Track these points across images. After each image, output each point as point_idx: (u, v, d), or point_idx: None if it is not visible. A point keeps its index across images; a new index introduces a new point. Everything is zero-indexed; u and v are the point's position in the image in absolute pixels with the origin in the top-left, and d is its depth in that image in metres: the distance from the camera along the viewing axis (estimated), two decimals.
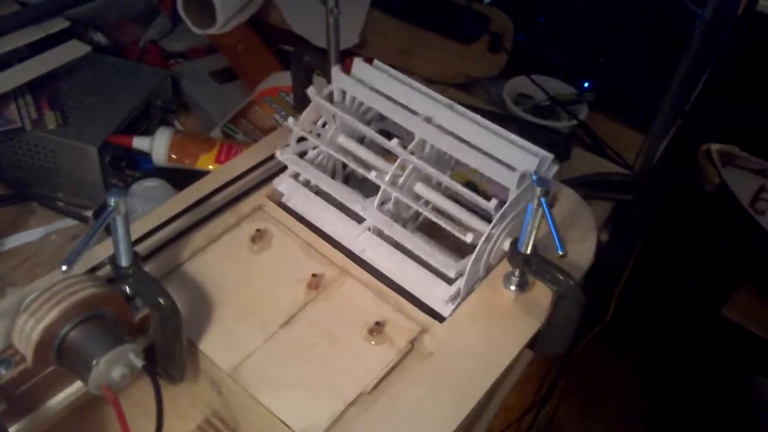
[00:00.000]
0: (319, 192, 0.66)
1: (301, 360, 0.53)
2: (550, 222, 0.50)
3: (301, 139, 0.66)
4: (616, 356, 1.55)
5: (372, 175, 0.60)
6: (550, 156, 0.56)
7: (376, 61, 0.64)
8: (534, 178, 0.50)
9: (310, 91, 0.63)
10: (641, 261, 1.08)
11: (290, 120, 0.64)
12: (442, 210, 0.60)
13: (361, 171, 0.61)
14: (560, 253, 0.49)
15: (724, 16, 0.77)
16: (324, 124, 0.65)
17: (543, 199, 0.49)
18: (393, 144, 0.59)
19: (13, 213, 0.82)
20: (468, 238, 0.55)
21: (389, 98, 0.62)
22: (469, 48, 1.09)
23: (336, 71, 0.63)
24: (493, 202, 0.55)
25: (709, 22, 0.73)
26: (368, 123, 0.66)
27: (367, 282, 0.59)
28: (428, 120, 0.60)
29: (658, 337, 1.59)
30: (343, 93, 0.64)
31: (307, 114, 0.65)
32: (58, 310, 0.46)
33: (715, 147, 1.25)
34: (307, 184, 0.66)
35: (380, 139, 0.61)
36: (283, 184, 0.66)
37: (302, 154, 0.66)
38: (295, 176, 0.66)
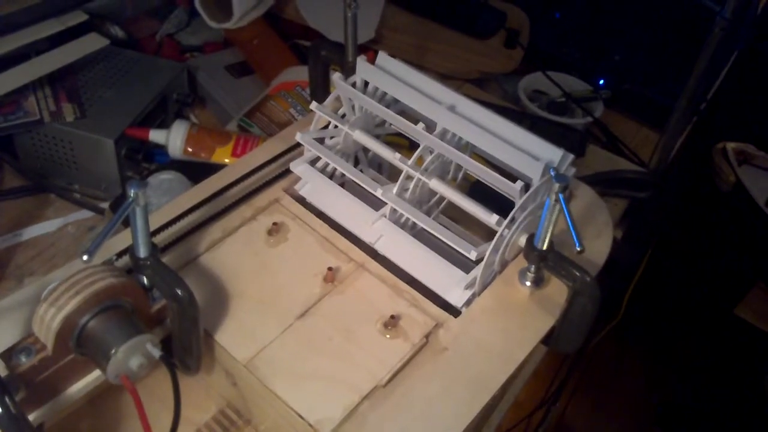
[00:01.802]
0: (334, 179, 0.66)
1: (316, 353, 0.54)
2: (567, 218, 0.50)
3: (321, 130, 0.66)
4: (628, 354, 1.55)
5: (396, 157, 0.60)
6: (571, 155, 0.56)
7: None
8: (552, 173, 0.50)
9: (336, 77, 0.63)
10: (654, 259, 1.07)
11: (314, 104, 0.64)
12: (461, 201, 0.60)
13: (385, 154, 0.61)
14: (578, 249, 0.49)
15: (744, 14, 0.77)
16: (343, 116, 0.65)
17: (561, 195, 0.49)
18: (419, 128, 0.59)
19: (31, 204, 0.83)
20: (493, 219, 0.55)
21: (413, 88, 0.62)
22: (484, 44, 1.09)
23: (361, 61, 0.64)
24: (519, 183, 0.55)
25: (730, 19, 0.72)
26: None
27: (383, 276, 0.60)
28: (451, 109, 0.60)
29: (670, 335, 1.58)
30: (365, 85, 0.64)
31: (330, 101, 0.65)
32: (78, 300, 0.46)
33: (731, 145, 1.24)
34: (323, 170, 0.66)
35: (404, 123, 0.61)
36: (299, 167, 0.66)
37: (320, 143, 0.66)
38: (312, 162, 0.66)
